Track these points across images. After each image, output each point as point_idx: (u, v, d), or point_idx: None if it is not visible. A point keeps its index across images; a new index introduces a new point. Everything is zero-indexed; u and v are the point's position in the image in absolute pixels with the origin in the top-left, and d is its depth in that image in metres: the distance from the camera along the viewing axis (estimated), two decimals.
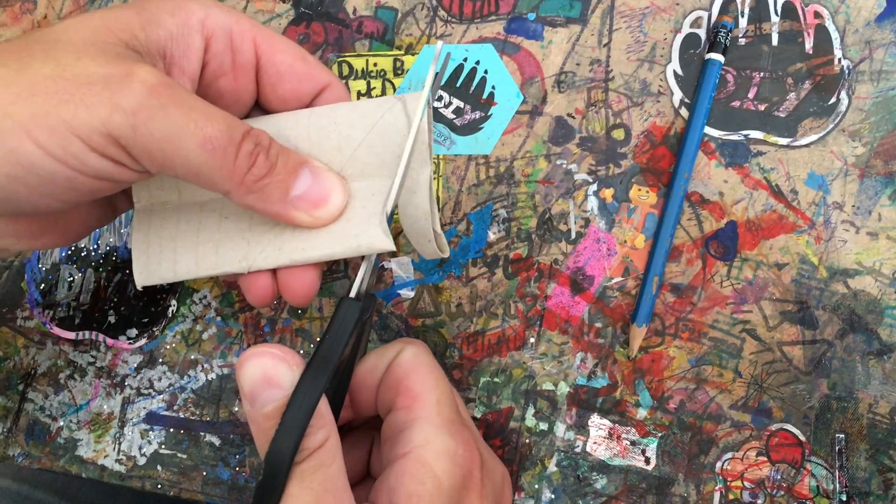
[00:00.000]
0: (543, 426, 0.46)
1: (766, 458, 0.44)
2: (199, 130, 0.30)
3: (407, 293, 0.47)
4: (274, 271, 0.37)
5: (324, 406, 0.32)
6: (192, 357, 0.48)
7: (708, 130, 0.46)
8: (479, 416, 0.46)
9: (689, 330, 0.45)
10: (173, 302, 0.49)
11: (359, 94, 0.49)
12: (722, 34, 0.45)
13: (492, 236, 0.47)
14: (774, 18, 0.46)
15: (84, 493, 0.64)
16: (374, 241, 0.35)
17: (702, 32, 0.47)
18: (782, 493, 0.44)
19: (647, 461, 0.45)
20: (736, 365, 0.45)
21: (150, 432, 0.48)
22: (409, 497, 0.34)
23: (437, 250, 0.38)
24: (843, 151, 0.45)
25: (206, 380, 0.48)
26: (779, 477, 0.44)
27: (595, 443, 0.45)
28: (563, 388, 0.46)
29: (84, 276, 0.49)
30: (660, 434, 0.45)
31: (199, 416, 0.48)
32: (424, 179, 0.36)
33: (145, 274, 0.38)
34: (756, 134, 0.46)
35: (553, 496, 0.45)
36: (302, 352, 0.47)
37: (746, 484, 0.44)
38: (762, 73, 0.46)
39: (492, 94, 0.48)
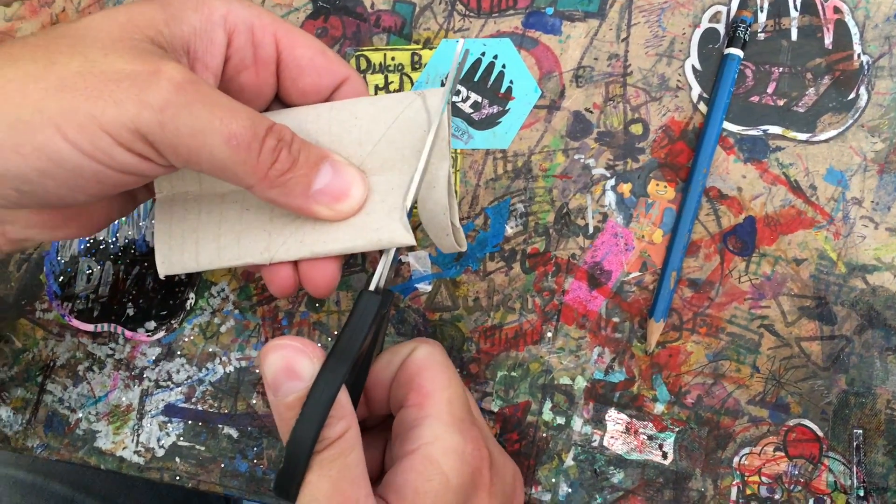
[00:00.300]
0: (560, 420, 0.46)
1: (783, 454, 0.44)
2: (225, 127, 0.31)
3: (424, 287, 0.47)
4: (295, 263, 0.38)
5: (344, 397, 0.33)
6: (210, 350, 0.48)
7: (726, 125, 0.46)
8: (496, 409, 0.46)
9: (706, 325, 0.45)
10: (191, 295, 0.49)
11: (376, 89, 0.49)
12: (741, 29, 0.45)
13: (509, 231, 0.47)
14: (794, 13, 0.46)
15: (98, 484, 0.64)
16: (395, 236, 0.36)
17: (721, 27, 0.47)
18: (800, 488, 0.44)
19: (665, 456, 0.45)
20: (754, 360, 0.45)
21: (169, 424, 0.48)
22: (416, 493, 0.34)
23: (455, 244, 0.38)
24: (862, 147, 0.45)
25: (224, 372, 0.48)
26: (796, 472, 0.44)
27: (612, 437, 0.45)
28: (581, 383, 0.46)
29: (103, 268, 0.50)
30: (677, 429, 0.45)
31: (217, 408, 0.48)
32: (443, 174, 0.36)
33: (167, 264, 0.38)
34: (775, 129, 0.46)
35: (570, 490, 0.45)
36: (320, 344, 0.47)
37: (764, 479, 0.44)
38: (781, 69, 0.46)
39: (509, 89, 0.48)
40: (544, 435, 0.46)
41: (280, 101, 0.40)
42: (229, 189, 0.38)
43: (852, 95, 0.45)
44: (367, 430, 0.43)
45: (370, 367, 0.39)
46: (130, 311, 0.49)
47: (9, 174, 0.30)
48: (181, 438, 0.48)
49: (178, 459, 0.48)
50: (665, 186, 0.46)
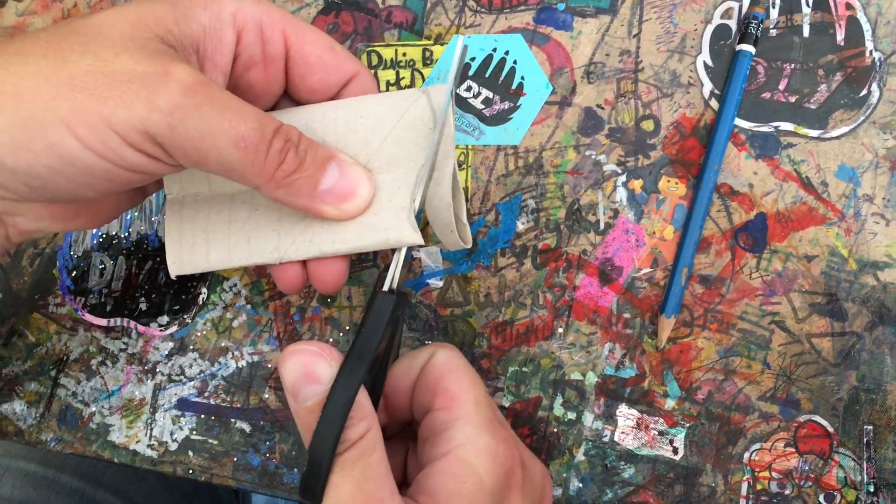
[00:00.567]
0: (571, 416, 0.46)
1: (794, 449, 0.44)
2: (233, 129, 0.31)
3: (436, 283, 0.47)
4: (304, 261, 0.38)
5: (363, 398, 0.33)
6: (223, 344, 0.49)
7: (738, 122, 0.46)
8: (507, 405, 0.46)
9: (717, 321, 0.45)
10: (204, 290, 0.49)
11: (388, 85, 0.49)
12: (753, 25, 0.45)
13: (520, 227, 0.47)
14: (806, 10, 0.46)
15: (109, 476, 0.64)
16: (403, 236, 0.36)
17: (732, 23, 0.47)
18: (810, 483, 0.44)
19: (675, 451, 0.45)
20: (764, 356, 0.45)
21: (182, 418, 0.48)
22: (451, 496, 0.34)
23: (460, 241, 0.38)
24: (873, 144, 0.45)
25: (237, 367, 0.48)
26: (807, 468, 0.44)
27: (623, 432, 0.45)
28: (592, 378, 0.46)
29: (115, 263, 0.50)
30: (688, 424, 0.45)
31: (229, 402, 0.48)
32: (448, 171, 0.36)
33: (178, 263, 0.39)
34: (786, 126, 0.46)
35: (581, 485, 0.45)
36: (331, 340, 0.48)
37: (774, 474, 0.44)
38: (793, 65, 0.46)
39: (521, 85, 0.48)
40: (555, 430, 0.46)
41: (289, 97, 0.40)
42: (238, 189, 0.38)
43: (864, 92, 0.45)
44: (387, 438, 0.43)
45: (388, 370, 0.39)
46: (143, 306, 0.49)
47: (19, 170, 0.31)
48: (194, 432, 0.48)
49: (191, 453, 0.48)
50: (676, 183, 0.46)
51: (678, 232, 0.46)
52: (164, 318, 0.49)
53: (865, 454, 0.44)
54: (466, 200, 0.47)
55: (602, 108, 0.47)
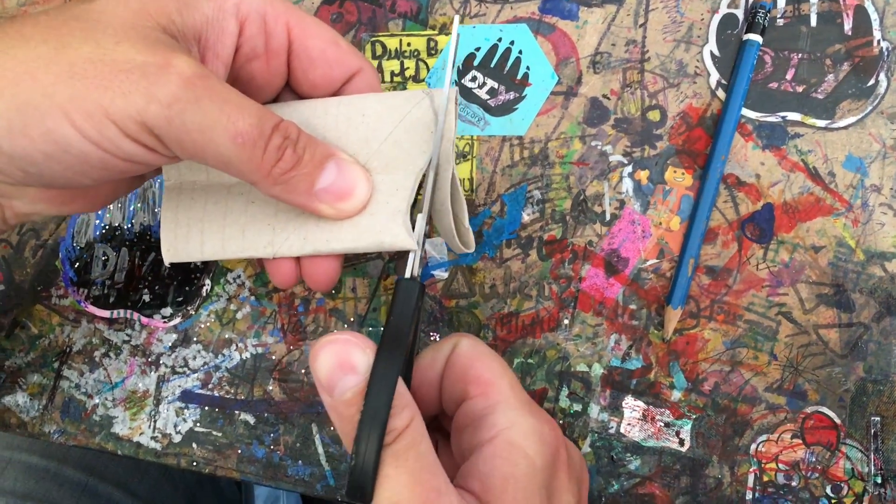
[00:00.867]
0: (577, 407, 0.46)
1: (800, 441, 0.44)
2: (232, 124, 0.31)
3: (441, 274, 0.47)
4: (297, 257, 0.38)
5: (402, 387, 0.31)
6: (227, 336, 0.48)
7: (745, 112, 0.45)
8: None
9: (724, 312, 0.45)
10: (207, 281, 0.49)
11: (392, 75, 0.49)
12: (760, 15, 0.45)
13: (526, 218, 0.47)
14: None
15: (112, 469, 0.64)
16: (397, 240, 0.36)
17: (739, 13, 0.46)
18: (817, 475, 0.44)
19: (682, 443, 0.45)
20: (771, 347, 0.44)
21: (186, 410, 0.48)
22: (505, 479, 0.33)
23: (460, 245, 0.38)
24: (881, 134, 0.45)
25: (241, 359, 0.48)
26: (814, 459, 0.44)
27: (629, 424, 0.45)
28: (598, 370, 0.46)
29: (118, 254, 0.50)
30: (694, 416, 0.45)
31: (233, 394, 0.48)
32: (447, 176, 0.36)
33: (172, 251, 0.39)
34: (794, 116, 0.45)
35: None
36: (335, 331, 0.47)
37: (781, 466, 0.44)
38: (800, 55, 0.46)
39: (526, 75, 0.47)
40: (561, 422, 0.46)
41: (290, 89, 0.40)
42: (235, 180, 0.38)
43: (872, 82, 0.45)
44: None
45: (413, 363, 0.39)
46: (146, 298, 0.49)
47: (16, 155, 0.31)
48: (198, 424, 0.48)
49: (195, 445, 0.48)
50: (683, 173, 0.46)
51: (684, 223, 0.46)
52: (168, 310, 0.49)
53: (873, 445, 0.43)
54: (471, 191, 0.47)
55: (608, 99, 0.47)
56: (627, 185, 0.46)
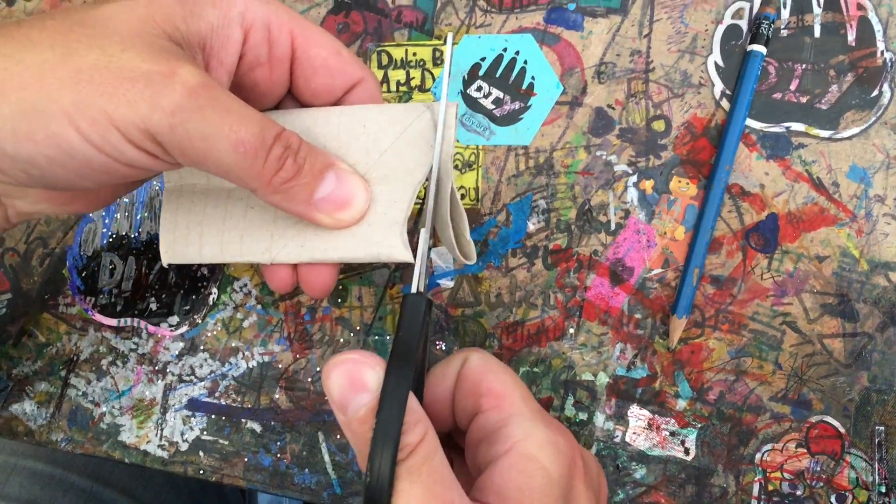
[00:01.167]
0: (583, 416, 0.46)
1: (805, 450, 0.44)
2: (234, 133, 0.31)
3: (446, 283, 0.47)
4: (294, 264, 0.39)
5: (413, 402, 0.32)
6: (233, 344, 0.49)
7: (749, 122, 0.46)
8: None
9: (729, 322, 0.45)
10: (214, 290, 0.49)
11: (398, 84, 0.49)
12: (764, 25, 0.45)
13: (531, 227, 0.47)
14: (817, 10, 0.46)
15: (117, 476, 0.64)
16: (394, 252, 0.36)
17: (743, 24, 0.46)
18: (822, 484, 0.44)
19: (687, 452, 0.45)
20: (776, 357, 0.45)
21: (192, 418, 0.48)
22: (521, 491, 0.33)
23: (461, 257, 0.38)
24: (885, 144, 0.45)
25: (247, 367, 0.48)
26: (818, 468, 0.44)
27: (634, 433, 0.45)
28: (603, 379, 0.46)
29: (125, 263, 0.50)
30: (699, 425, 0.45)
31: (240, 402, 0.48)
32: (447, 190, 0.36)
33: (171, 253, 0.40)
34: (798, 126, 0.46)
35: None
36: (341, 340, 0.48)
37: (786, 475, 0.44)
38: (804, 65, 0.46)
39: (531, 85, 0.48)
40: None
41: (292, 96, 0.40)
42: (235, 185, 0.39)
43: (875, 93, 0.45)
44: None
45: (424, 378, 0.39)
46: (153, 306, 0.49)
47: (20, 158, 0.31)
48: (204, 433, 0.48)
49: (201, 453, 0.48)
50: (687, 183, 0.46)
51: (689, 232, 0.46)
52: (175, 319, 0.49)
53: (877, 455, 0.44)
54: (477, 200, 0.47)
55: (613, 109, 0.47)
56: (632, 194, 0.46)
